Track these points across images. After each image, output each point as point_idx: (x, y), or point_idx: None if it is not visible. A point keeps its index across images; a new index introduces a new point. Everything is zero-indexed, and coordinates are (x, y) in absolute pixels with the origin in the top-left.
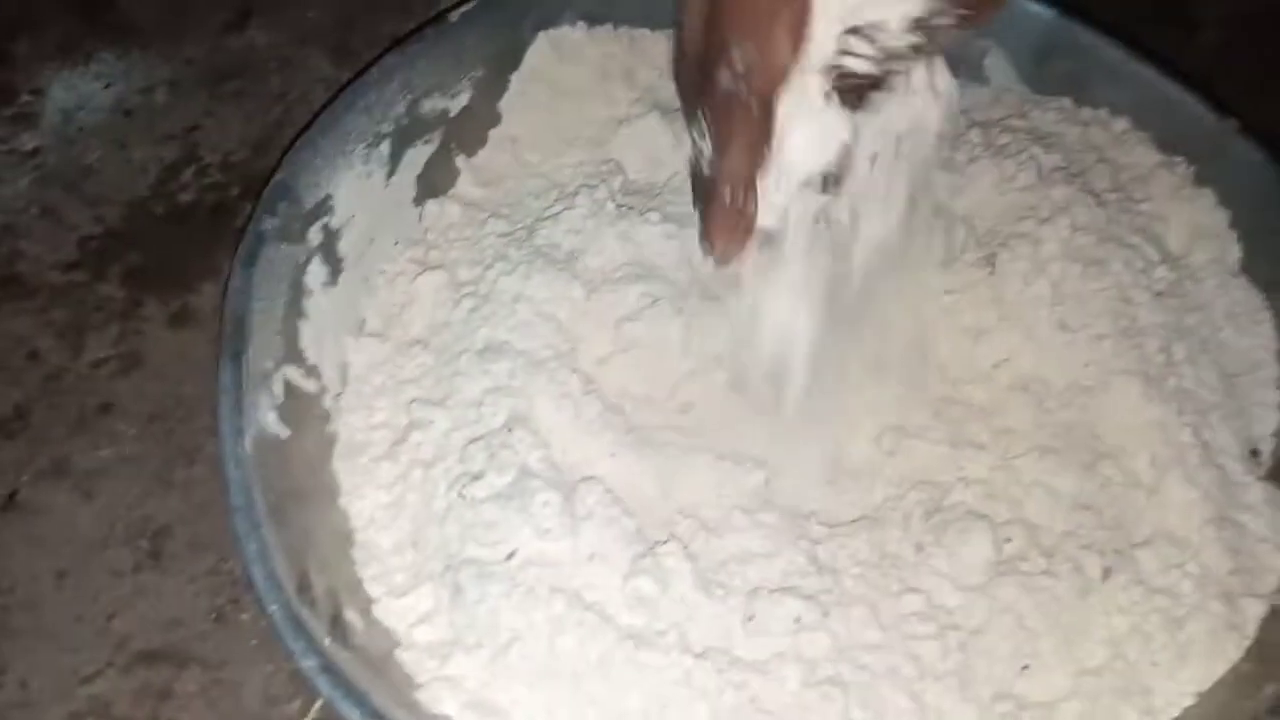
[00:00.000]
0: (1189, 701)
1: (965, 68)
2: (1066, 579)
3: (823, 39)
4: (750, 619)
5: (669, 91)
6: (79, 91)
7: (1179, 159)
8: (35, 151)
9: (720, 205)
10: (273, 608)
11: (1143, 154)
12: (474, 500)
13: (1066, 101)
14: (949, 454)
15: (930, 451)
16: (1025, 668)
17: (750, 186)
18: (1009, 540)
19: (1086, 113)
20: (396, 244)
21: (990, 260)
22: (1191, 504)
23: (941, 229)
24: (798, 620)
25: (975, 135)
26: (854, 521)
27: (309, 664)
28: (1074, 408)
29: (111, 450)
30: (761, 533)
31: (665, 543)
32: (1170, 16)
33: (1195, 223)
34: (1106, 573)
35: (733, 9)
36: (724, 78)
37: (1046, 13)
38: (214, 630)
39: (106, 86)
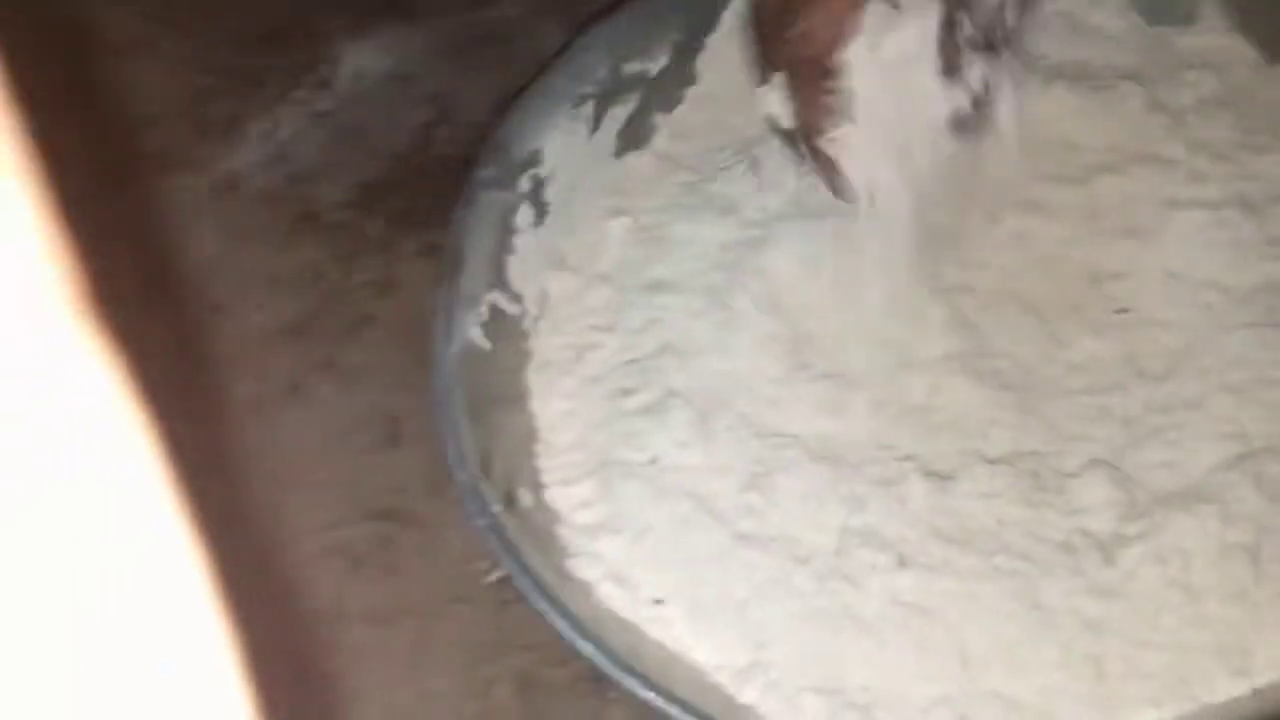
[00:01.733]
0: None
1: (1177, 14)
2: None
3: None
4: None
5: None
6: (362, 61)
7: None
8: (328, 113)
9: (812, 153)
10: (461, 477)
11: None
12: (625, 412)
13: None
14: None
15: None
16: None
17: (821, 135)
18: None
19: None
20: (595, 191)
21: None
22: None
23: None
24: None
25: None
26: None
27: (480, 523)
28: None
29: (370, 354)
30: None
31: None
32: None
33: None
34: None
35: None
36: (789, 43)
37: None
38: (429, 498)
39: (384, 57)
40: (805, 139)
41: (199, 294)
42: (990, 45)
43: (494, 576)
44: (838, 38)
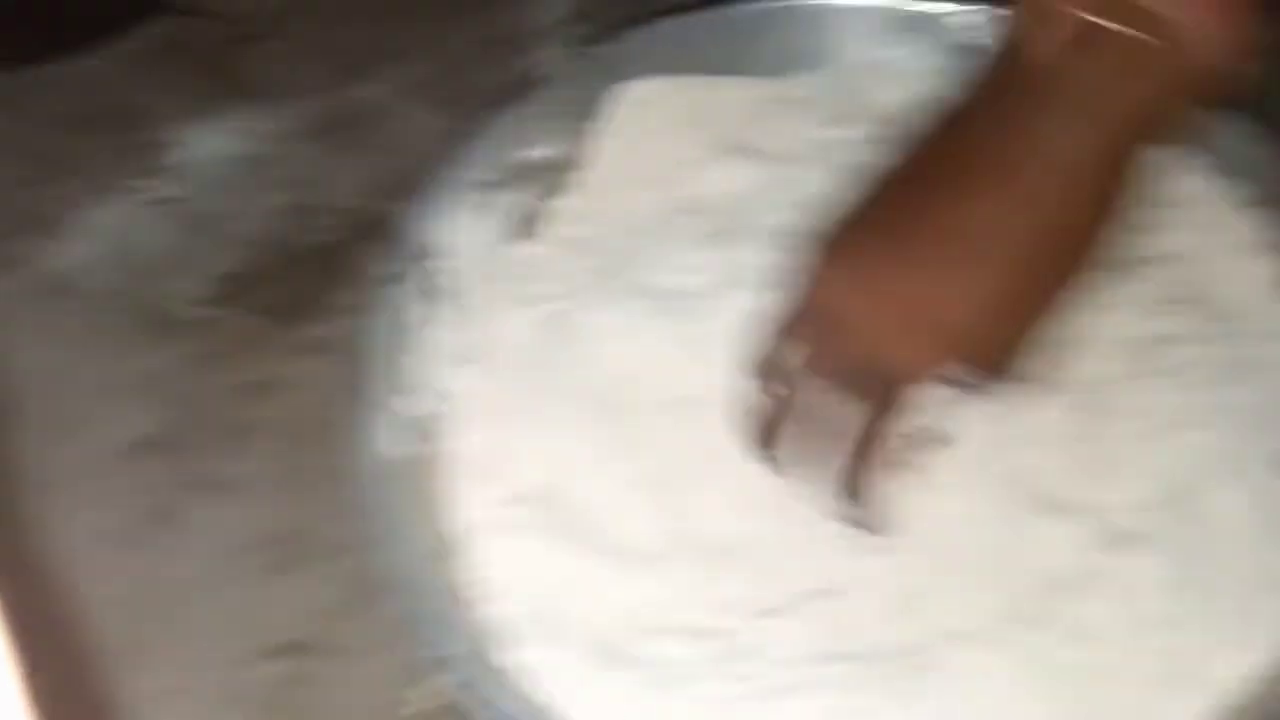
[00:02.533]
0: (1238, 687)
1: None
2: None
3: None
4: None
5: (743, 135)
6: (211, 145)
7: (1230, 181)
8: (175, 200)
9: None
10: (400, 603)
11: (1193, 177)
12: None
13: None
14: None
15: None
16: None
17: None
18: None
19: None
20: (498, 281)
21: None
22: (1241, 506)
23: None
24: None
25: None
26: None
27: (433, 652)
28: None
29: (250, 465)
30: None
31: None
32: None
33: (1246, 241)
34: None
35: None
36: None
37: None
38: (344, 624)
39: (235, 140)
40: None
41: (33, 412)
42: None
43: (431, 706)
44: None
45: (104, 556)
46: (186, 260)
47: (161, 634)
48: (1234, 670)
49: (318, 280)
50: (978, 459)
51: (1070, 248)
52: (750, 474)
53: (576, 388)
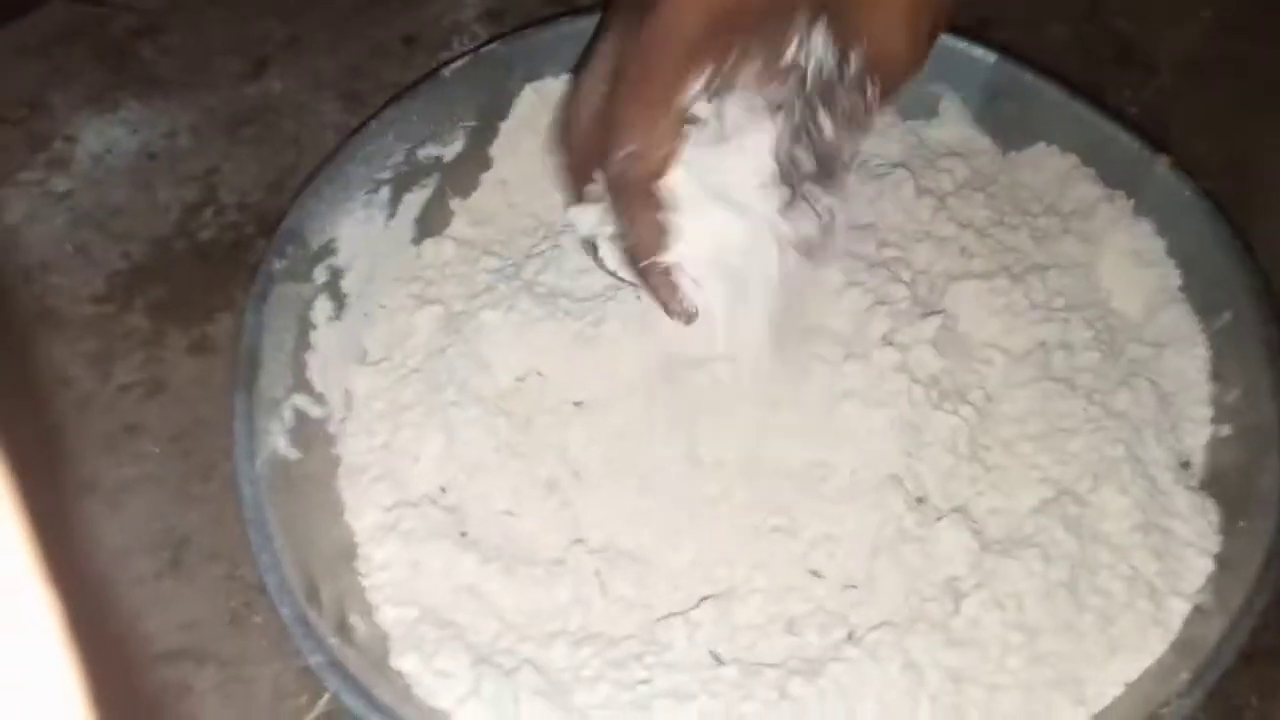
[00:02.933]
0: (1118, 691)
1: (923, 109)
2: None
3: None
4: None
5: None
6: (107, 137)
7: (1120, 192)
8: (68, 194)
9: (649, 273)
10: (285, 611)
11: (1087, 189)
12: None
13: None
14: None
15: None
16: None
17: (653, 256)
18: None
19: (1038, 149)
20: (396, 280)
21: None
22: (1123, 512)
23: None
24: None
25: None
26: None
27: (317, 660)
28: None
29: (136, 468)
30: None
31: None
32: (1129, 61)
33: (1135, 250)
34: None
35: (625, 114)
36: (615, 165)
37: (990, 57)
38: (229, 631)
39: (133, 133)
40: (634, 260)
41: None
42: (829, 174)
43: (315, 714)
44: (665, 161)
45: None
46: (78, 256)
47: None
48: (1113, 676)
49: (214, 277)
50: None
51: None
52: (646, 479)
53: (475, 390)
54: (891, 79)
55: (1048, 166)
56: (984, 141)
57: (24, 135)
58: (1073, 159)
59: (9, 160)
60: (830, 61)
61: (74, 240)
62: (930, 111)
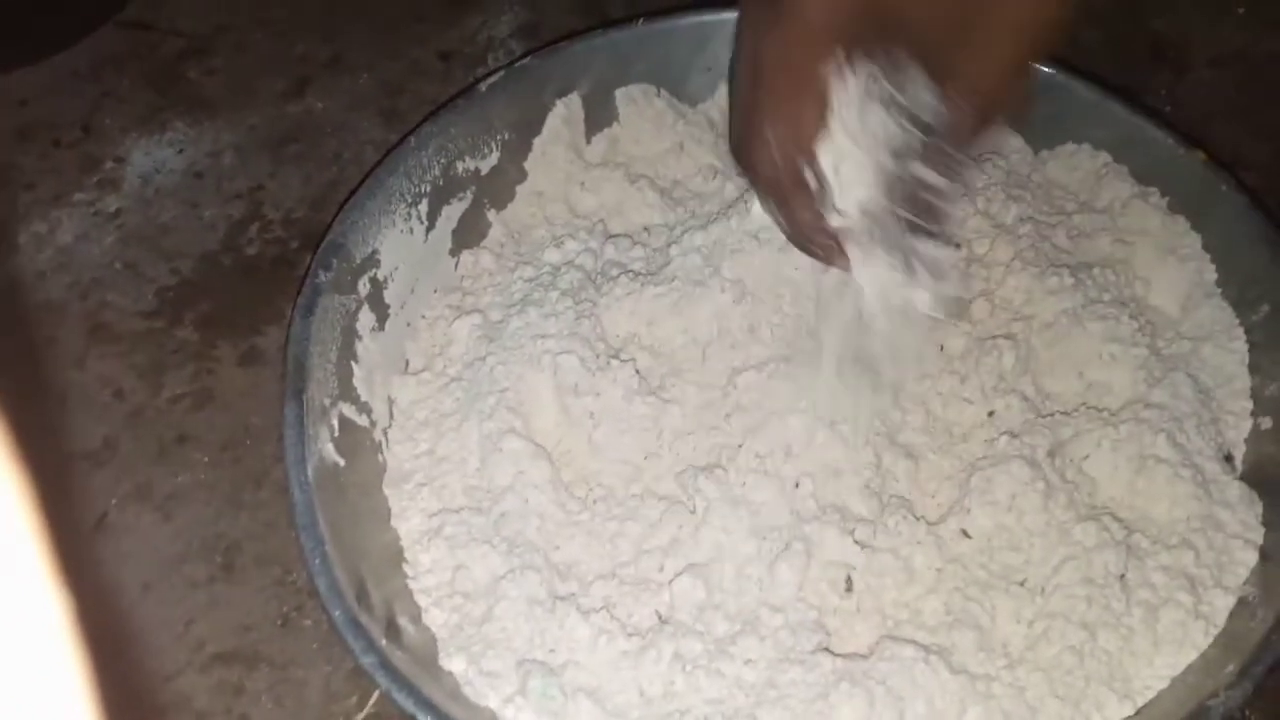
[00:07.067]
0: (1163, 685)
1: None
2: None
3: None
4: None
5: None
6: (155, 158)
7: (1153, 189)
8: (118, 213)
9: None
10: (336, 613)
11: (1120, 186)
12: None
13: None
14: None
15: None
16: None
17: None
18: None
19: (1069, 148)
20: (435, 291)
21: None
22: (1175, 501)
23: None
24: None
25: None
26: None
27: (369, 660)
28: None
29: (188, 476)
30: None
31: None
32: (1164, 58)
33: (1171, 246)
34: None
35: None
36: (766, 148)
37: None
38: (280, 634)
39: (180, 153)
40: (802, 241)
41: None
42: (935, 219)
43: (364, 715)
44: (816, 123)
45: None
46: (129, 272)
47: (92, 649)
48: (1159, 670)
49: (261, 291)
50: None
51: None
52: (685, 486)
53: (514, 399)
54: (986, 123)
55: (1080, 165)
56: (1016, 141)
57: (76, 157)
58: (1104, 156)
59: (62, 182)
60: (931, 102)
61: (124, 258)
62: None
